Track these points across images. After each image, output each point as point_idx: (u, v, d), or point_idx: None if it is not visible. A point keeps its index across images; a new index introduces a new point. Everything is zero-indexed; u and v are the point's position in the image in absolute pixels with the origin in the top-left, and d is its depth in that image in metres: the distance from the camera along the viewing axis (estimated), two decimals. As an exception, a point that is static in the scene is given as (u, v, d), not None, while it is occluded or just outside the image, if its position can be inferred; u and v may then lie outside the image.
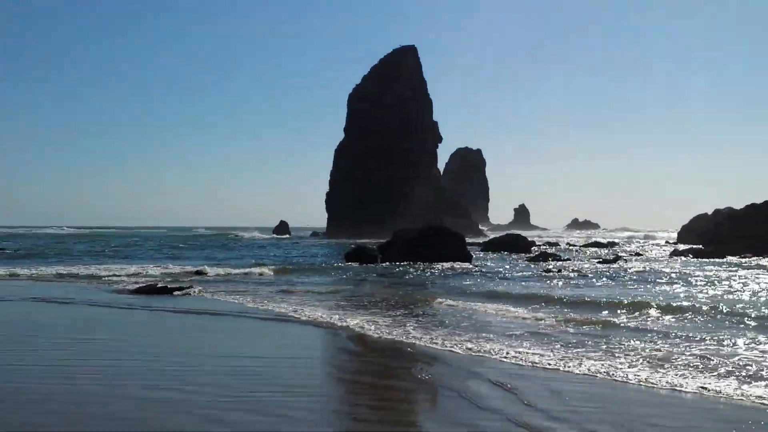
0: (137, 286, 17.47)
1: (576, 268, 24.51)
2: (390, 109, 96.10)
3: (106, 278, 20.93)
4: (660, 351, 8.32)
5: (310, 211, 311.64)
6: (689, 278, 19.97)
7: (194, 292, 16.42)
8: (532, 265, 27.24)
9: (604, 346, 8.72)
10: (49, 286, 18.67)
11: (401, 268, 25.27)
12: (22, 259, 31.68)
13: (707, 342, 8.93)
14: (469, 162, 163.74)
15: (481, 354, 8.29)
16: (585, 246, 50.35)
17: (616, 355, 8.16)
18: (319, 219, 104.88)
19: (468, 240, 33.99)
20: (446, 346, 8.78)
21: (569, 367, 7.51)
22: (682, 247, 40.03)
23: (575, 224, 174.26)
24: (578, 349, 8.53)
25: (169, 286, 16.97)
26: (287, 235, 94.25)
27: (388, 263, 28.21)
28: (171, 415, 5.54)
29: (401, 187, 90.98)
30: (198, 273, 22.82)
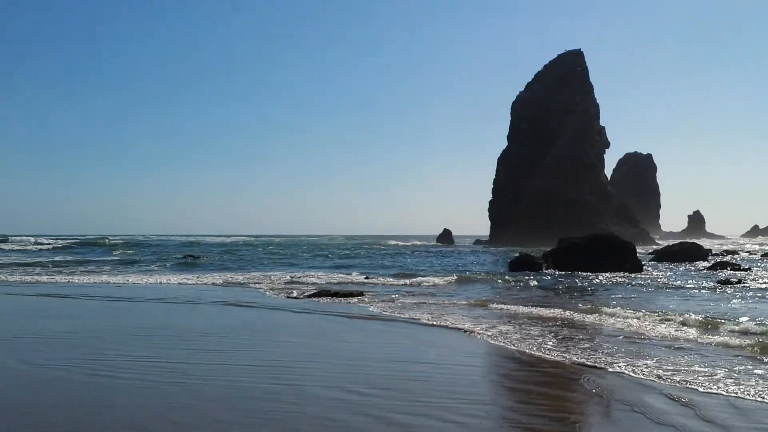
0: (312, 291, 18.66)
1: (761, 280, 22.51)
2: (556, 115, 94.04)
3: (279, 283, 22.48)
4: None
5: (472, 219, 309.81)
6: None
7: (366, 298, 17.18)
8: (709, 276, 25.38)
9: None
10: (229, 290, 20.40)
11: (567, 278, 24.65)
12: (200, 267, 34.78)
13: None
14: (639, 167, 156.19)
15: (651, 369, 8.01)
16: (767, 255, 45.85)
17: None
18: (482, 227, 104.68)
19: (638, 249, 32.41)
20: (615, 361, 8.57)
21: (750, 385, 7.08)
22: None
23: (755, 231, 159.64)
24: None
25: (341, 292, 17.95)
26: (450, 244, 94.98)
27: (553, 272, 27.71)
28: (351, 416, 5.90)
29: (567, 194, 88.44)
30: (367, 279, 23.86)
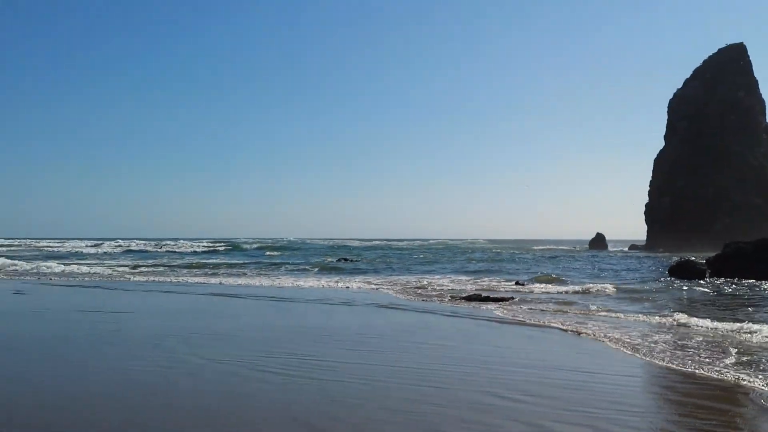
0: (461, 295, 18.84)
1: None
2: (716, 112, 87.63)
3: (429, 287, 22.82)
4: None
5: (626, 223, 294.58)
6: None
7: (515, 304, 17.04)
8: None
9: None
10: (380, 293, 21.01)
11: (733, 286, 22.95)
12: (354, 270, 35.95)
13: None
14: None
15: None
16: None
17: None
18: (637, 231, 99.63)
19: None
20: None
21: None
22: None
23: None
24: None
25: (491, 297, 17.95)
26: (604, 249, 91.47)
27: (717, 279, 25.87)
28: (501, 420, 5.97)
29: (731, 195, 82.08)
30: (518, 285, 23.58)
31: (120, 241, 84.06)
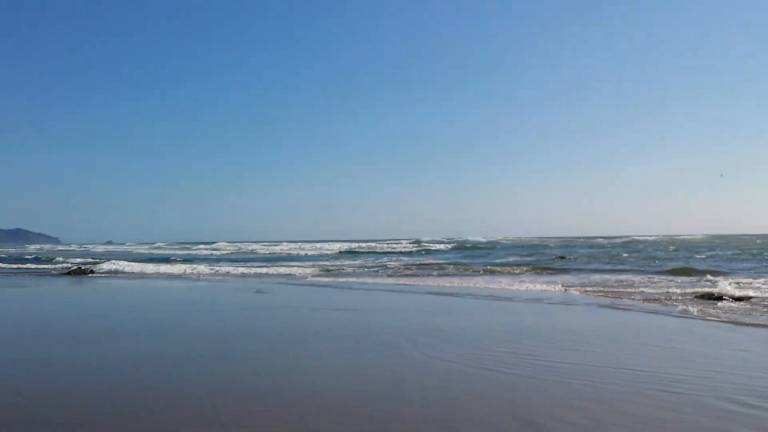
0: (691, 294, 17.56)
1: None
2: None
3: (659, 285, 21.50)
4: None
5: None
6: None
7: (756, 302, 15.53)
8: None
9: None
10: (599, 294, 20.22)
11: None
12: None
13: None
14: None
15: None
16: None
17: None
18: None
19: None
20: None
21: None
22: None
23: None
24: None
25: (726, 295, 16.52)
26: None
27: None
28: (740, 428, 5.62)
29: None
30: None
31: (324, 243, 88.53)
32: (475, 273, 31.18)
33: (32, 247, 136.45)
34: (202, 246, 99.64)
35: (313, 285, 24.84)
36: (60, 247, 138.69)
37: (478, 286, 23.56)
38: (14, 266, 43.35)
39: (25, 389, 7.32)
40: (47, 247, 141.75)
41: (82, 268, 36.04)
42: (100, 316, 15.21)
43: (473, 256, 53.30)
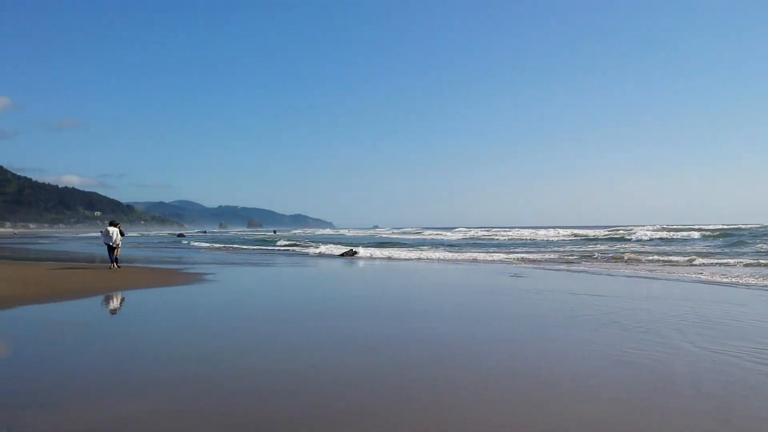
0: None
1: None
2: None
3: None
4: None
5: None
6: None
7: None
8: None
9: None
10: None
11: None
12: None
13: None
14: None
15: None
16: None
17: None
18: None
19: None
20: None
21: None
22: None
23: None
24: None
25: None
26: None
27: None
28: None
29: None
30: None
31: (559, 230, 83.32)
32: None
33: (307, 231, 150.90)
34: (446, 231, 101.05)
35: (567, 271, 24.73)
36: (329, 231, 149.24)
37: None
38: (280, 248, 50.86)
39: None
40: (318, 231, 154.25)
41: (353, 250, 39.90)
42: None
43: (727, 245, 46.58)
